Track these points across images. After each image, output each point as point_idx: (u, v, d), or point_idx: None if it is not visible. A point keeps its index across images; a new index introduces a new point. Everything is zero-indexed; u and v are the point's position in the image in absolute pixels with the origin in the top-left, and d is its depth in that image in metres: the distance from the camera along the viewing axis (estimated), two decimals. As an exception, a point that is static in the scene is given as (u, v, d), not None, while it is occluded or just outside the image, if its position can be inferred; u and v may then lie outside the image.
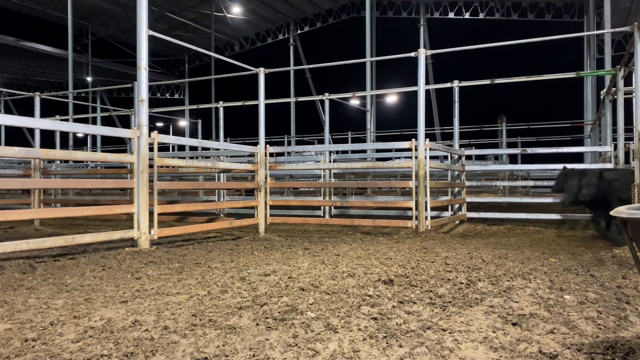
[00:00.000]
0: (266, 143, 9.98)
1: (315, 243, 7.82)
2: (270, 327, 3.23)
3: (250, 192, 15.28)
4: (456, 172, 11.19)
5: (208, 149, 13.57)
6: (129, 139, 7.48)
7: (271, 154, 10.40)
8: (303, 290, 4.27)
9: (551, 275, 4.91)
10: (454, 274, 4.97)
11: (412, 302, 3.84)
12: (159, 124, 25.80)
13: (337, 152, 12.98)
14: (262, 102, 9.88)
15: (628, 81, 9.78)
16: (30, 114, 12.95)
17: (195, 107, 18.19)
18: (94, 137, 21.44)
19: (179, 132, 27.06)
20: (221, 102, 15.15)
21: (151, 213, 7.19)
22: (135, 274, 5.25)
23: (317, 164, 11.87)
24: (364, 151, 17.82)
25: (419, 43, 25.58)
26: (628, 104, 9.83)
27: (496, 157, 20.45)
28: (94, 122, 20.80)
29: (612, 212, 2.89)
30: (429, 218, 8.95)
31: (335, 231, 9.95)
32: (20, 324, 3.44)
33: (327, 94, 13.63)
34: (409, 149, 9.02)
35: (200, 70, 34.88)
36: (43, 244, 6.18)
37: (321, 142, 22.87)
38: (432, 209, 9.47)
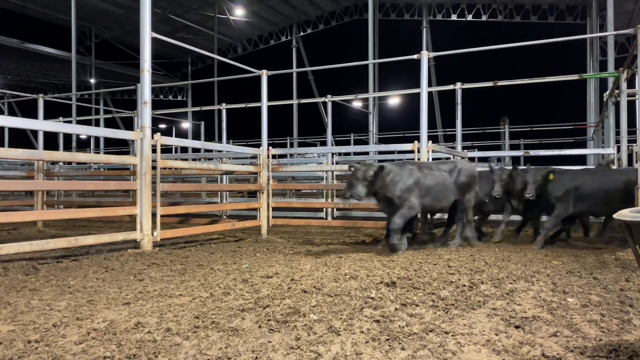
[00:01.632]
0: (269, 145, 9.98)
1: (318, 245, 7.81)
2: (272, 330, 3.23)
3: (252, 194, 15.30)
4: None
5: (211, 150, 13.59)
6: (132, 140, 7.50)
7: (273, 156, 10.40)
8: (305, 292, 4.27)
9: (554, 277, 4.90)
10: (457, 276, 4.97)
11: (414, 305, 3.83)
12: (162, 126, 25.84)
13: (339, 154, 12.96)
14: (264, 104, 9.89)
15: (631, 83, 9.76)
16: (34, 115, 12.99)
17: (198, 109, 18.22)
18: (97, 138, 21.49)
19: (181, 134, 27.11)
20: (224, 104, 15.17)
21: (154, 215, 7.19)
22: (137, 275, 5.26)
23: (319, 166, 11.86)
24: (367, 153, 17.80)
25: (422, 45, 25.58)
26: (631, 106, 9.81)
27: (499, 159, 20.38)
28: (97, 124, 20.85)
29: (615, 215, 2.88)
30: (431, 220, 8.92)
31: (338, 233, 9.95)
32: (24, 325, 3.45)
33: (329, 96, 13.64)
34: (412, 151, 9.00)
35: (203, 72, 34.94)
36: (46, 246, 6.19)
37: (323, 144, 22.87)
38: (435, 211, 9.45)
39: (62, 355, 2.84)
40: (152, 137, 7.23)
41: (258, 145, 10.00)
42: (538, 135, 23.11)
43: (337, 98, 14.10)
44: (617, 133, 10.38)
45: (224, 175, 12.51)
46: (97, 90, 27.65)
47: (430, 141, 9.00)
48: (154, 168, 7.28)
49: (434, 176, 7.10)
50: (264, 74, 9.87)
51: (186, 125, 26.69)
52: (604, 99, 12.43)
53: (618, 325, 3.31)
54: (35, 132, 17.83)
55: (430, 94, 14.73)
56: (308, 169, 12.29)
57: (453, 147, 12.98)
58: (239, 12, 29.14)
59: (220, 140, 18.29)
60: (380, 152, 14.37)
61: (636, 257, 2.82)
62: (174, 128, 25.44)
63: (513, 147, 21.68)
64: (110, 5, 27.21)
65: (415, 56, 9.06)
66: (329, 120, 14.51)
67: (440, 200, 7.20)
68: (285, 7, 28.57)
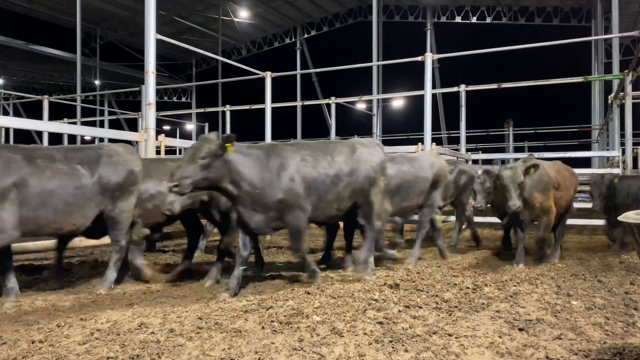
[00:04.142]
0: (272, 146, 9.97)
1: (321, 246, 7.80)
2: (275, 331, 3.23)
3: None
4: (463, 177, 11.13)
5: (214, 152, 13.56)
6: (137, 142, 7.53)
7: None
8: (308, 293, 4.27)
9: (558, 280, 4.88)
10: (460, 278, 4.95)
11: (418, 307, 3.82)
12: (166, 128, 25.83)
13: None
14: (268, 105, 9.90)
15: (636, 86, 9.73)
16: (39, 117, 13.04)
17: (202, 110, 18.25)
18: (101, 140, 21.48)
19: (186, 136, 27.11)
20: (228, 106, 15.19)
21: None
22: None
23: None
24: (370, 155, 17.76)
25: (426, 47, 25.55)
26: (636, 108, 9.78)
27: (503, 162, 20.34)
28: (102, 125, 20.89)
29: (619, 218, 2.87)
30: (435, 222, 8.90)
31: (341, 235, 9.93)
32: (28, 325, 3.46)
33: (333, 98, 13.63)
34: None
35: (207, 74, 34.97)
36: (50, 246, 6.20)
37: (327, 145, 22.85)
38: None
39: (65, 356, 2.84)
40: (157, 139, 7.25)
41: (262, 147, 9.96)
42: (542, 137, 23.03)
43: (341, 100, 14.09)
44: (622, 135, 10.34)
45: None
46: (101, 91, 27.70)
47: (434, 143, 9.00)
48: (158, 169, 7.27)
49: (55, 172, 4.32)
50: (268, 76, 9.88)
51: (190, 126, 26.71)
52: (609, 102, 12.39)
53: (622, 329, 3.29)
54: (40, 133, 17.87)
55: (434, 96, 14.70)
56: None
57: (457, 150, 12.96)
58: (243, 14, 29.19)
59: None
60: (384, 154, 14.36)
61: (641, 260, 2.81)
62: (178, 129, 25.43)
63: (517, 150, 21.63)
64: (116, 7, 27.29)
65: (419, 58, 9.06)
66: (332, 122, 14.51)
67: (66, 216, 4.37)
68: (290, 9, 28.59)
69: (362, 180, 5.02)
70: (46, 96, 13.38)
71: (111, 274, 4.79)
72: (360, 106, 20.47)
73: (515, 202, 5.50)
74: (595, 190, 7.27)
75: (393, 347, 2.93)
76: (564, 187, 6.30)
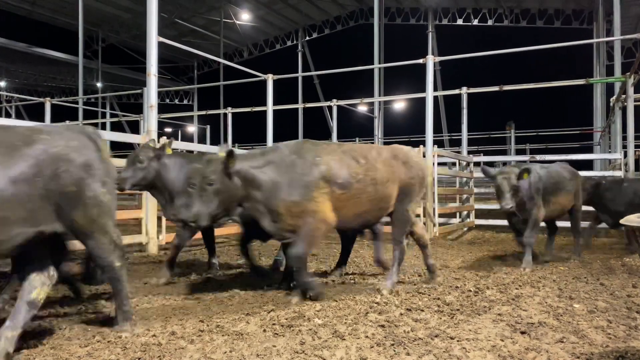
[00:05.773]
0: (274, 149, 9.97)
1: (322, 249, 7.79)
2: (277, 334, 3.22)
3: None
4: (464, 179, 11.14)
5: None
6: (138, 144, 7.53)
7: (279, 160, 10.41)
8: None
9: (560, 283, 4.87)
10: (462, 281, 4.95)
11: (419, 310, 3.82)
12: (168, 130, 25.90)
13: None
14: (270, 108, 9.91)
15: (638, 88, 9.71)
16: (41, 119, 13.07)
17: (204, 112, 18.29)
18: (103, 142, 21.49)
19: (187, 138, 27.16)
20: (230, 108, 15.22)
21: (159, 218, 7.21)
22: (142, 278, 5.26)
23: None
24: (372, 157, 17.72)
25: (427, 50, 25.55)
26: (638, 111, 9.75)
27: (504, 164, 20.37)
28: (104, 127, 20.94)
29: (621, 221, 2.87)
30: (437, 225, 8.90)
31: (343, 237, 9.93)
32: (29, 327, 3.45)
33: (334, 100, 13.64)
34: (417, 156, 8.99)
35: (209, 77, 35.01)
36: (52, 249, 6.19)
37: (329, 148, 22.82)
38: (440, 215, 9.42)
39: (67, 358, 2.84)
40: (158, 141, 7.26)
41: (263, 149, 9.97)
42: (544, 140, 23.02)
43: (342, 102, 14.10)
44: (624, 138, 10.33)
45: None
46: (103, 94, 27.77)
47: (436, 146, 8.99)
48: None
49: None
50: (270, 78, 9.89)
51: (192, 129, 26.75)
52: (611, 104, 12.37)
53: (625, 332, 3.28)
54: (42, 136, 17.89)
55: (435, 98, 14.72)
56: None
57: (459, 152, 12.95)
58: (245, 17, 29.26)
59: (225, 144, 18.33)
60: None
61: (643, 263, 2.79)
62: (179, 132, 25.49)
63: (519, 152, 21.61)
64: (117, 10, 27.38)
65: (420, 61, 9.06)
66: (334, 125, 14.52)
67: None
68: (291, 11, 28.63)
69: (47, 192, 2.94)
70: (48, 98, 13.42)
71: None
72: (362, 108, 20.48)
73: (175, 210, 3.30)
74: (504, 184, 5.53)
75: (395, 351, 2.92)
76: (370, 178, 4.34)
